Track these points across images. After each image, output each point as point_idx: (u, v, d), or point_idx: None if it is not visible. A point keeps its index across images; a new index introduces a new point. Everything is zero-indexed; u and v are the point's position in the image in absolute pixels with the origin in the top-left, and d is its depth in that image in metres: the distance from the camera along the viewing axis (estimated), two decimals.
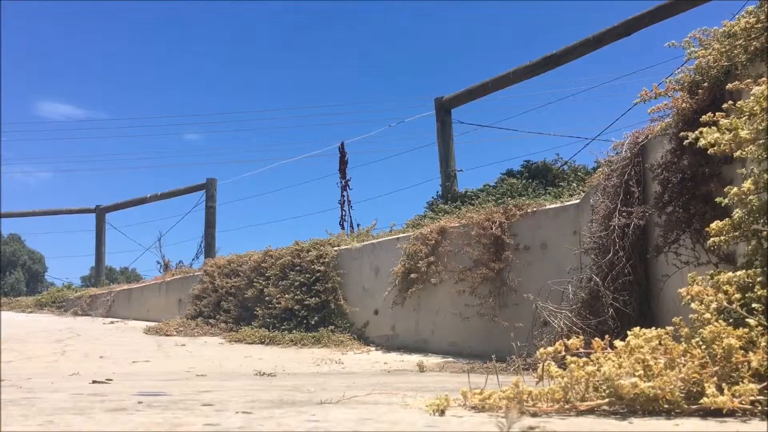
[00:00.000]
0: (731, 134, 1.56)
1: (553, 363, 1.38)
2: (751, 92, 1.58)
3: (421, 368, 3.31)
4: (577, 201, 3.63)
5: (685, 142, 1.80)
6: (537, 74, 5.35)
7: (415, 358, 3.81)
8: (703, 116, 1.83)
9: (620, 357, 1.32)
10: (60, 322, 6.59)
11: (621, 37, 4.73)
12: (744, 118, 1.55)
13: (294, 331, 4.88)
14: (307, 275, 5.05)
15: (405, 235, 4.52)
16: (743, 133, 1.53)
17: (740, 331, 1.28)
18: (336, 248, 5.12)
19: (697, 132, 1.68)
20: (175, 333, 5.51)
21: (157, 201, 9.28)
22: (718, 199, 1.62)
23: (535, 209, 3.83)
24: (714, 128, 1.62)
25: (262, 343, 4.84)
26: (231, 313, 5.65)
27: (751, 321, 1.30)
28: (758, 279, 1.40)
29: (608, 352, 1.38)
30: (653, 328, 1.39)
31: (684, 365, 1.26)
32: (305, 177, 13.35)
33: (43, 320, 6.93)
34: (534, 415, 1.25)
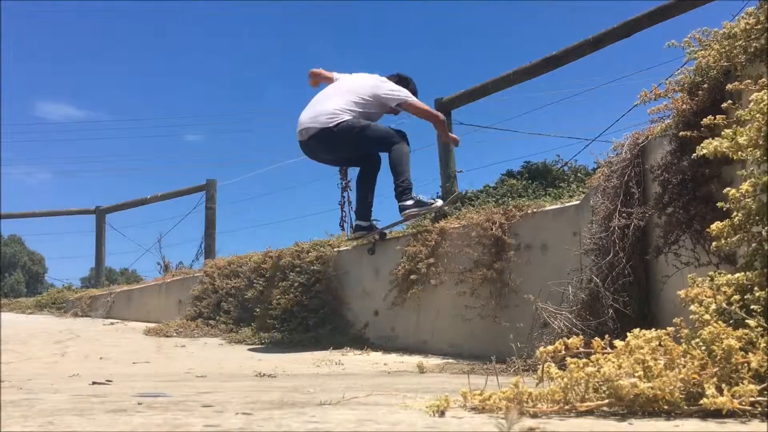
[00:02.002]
0: (732, 142, 1.56)
1: (553, 364, 1.38)
2: (750, 97, 1.58)
3: (421, 369, 3.30)
4: (577, 202, 3.63)
5: (693, 155, 1.79)
6: (537, 75, 5.34)
7: (415, 359, 3.81)
8: (704, 119, 1.83)
9: (620, 358, 1.33)
10: (60, 323, 6.59)
11: (621, 39, 4.72)
12: (748, 127, 1.56)
13: (294, 332, 4.88)
14: (306, 276, 5.05)
15: (405, 236, 4.52)
16: (741, 140, 1.53)
17: (740, 332, 1.28)
18: (336, 249, 5.12)
19: (701, 145, 1.68)
20: (175, 334, 5.51)
21: (157, 202, 9.28)
22: (719, 204, 1.62)
23: (535, 210, 3.83)
24: (716, 139, 1.62)
25: (262, 344, 4.84)
26: (231, 314, 5.64)
27: (751, 322, 1.30)
28: (757, 281, 1.40)
29: (608, 352, 1.38)
30: (653, 329, 1.39)
31: (684, 366, 1.26)
32: (305, 178, 13.38)
33: (43, 321, 6.93)
34: (534, 416, 1.25)
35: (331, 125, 4.52)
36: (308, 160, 4.82)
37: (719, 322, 1.33)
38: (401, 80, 5.11)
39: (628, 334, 1.39)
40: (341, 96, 4.72)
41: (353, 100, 4.71)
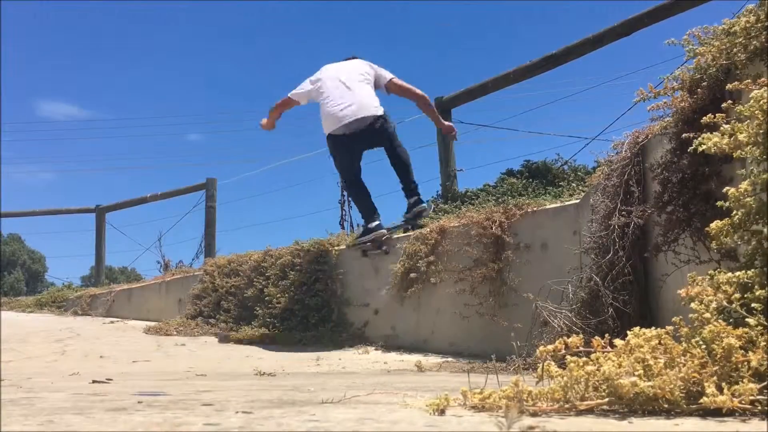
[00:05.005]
0: (731, 138, 1.56)
1: (552, 362, 1.38)
2: (750, 95, 1.58)
3: (421, 368, 3.31)
4: (577, 201, 3.63)
5: (690, 149, 1.80)
6: (537, 74, 5.35)
7: (414, 358, 3.81)
8: (704, 118, 1.83)
9: (620, 356, 1.33)
10: (60, 322, 6.59)
11: (621, 37, 4.73)
12: (746, 123, 1.55)
13: (294, 330, 4.88)
14: (306, 275, 5.05)
15: (405, 234, 4.52)
16: (741, 137, 1.53)
17: (740, 331, 1.28)
18: (336, 248, 5.12)
19: (699, 139, 1.68)
20: (175, 333, 5.51)
21: (157, 201, 9.28)
22: (719, 203, 1.62)
23: (535, 209, 3.83)
24: (714, 134, 1.62)
25: (262, 342, 4.84)
26: (231, 312, 5.64)
27: (751, 321, 1.30)
28: (758, 279, 1.40)
29: (608, 351, 1.38)
30: (653, 327, 1.39)
31: (684, 365, 1.26)
32: (306, 177, 13.37)
33: (43, 320, 6.93)
34: (534, 414, 1.25)
35: (381, 113, 4.43)
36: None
37: (719, 320, 1.33)
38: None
39: (628, 332, 1.39)
40: (359, 83, 4.52)
41: (369, 85, 4.54)
